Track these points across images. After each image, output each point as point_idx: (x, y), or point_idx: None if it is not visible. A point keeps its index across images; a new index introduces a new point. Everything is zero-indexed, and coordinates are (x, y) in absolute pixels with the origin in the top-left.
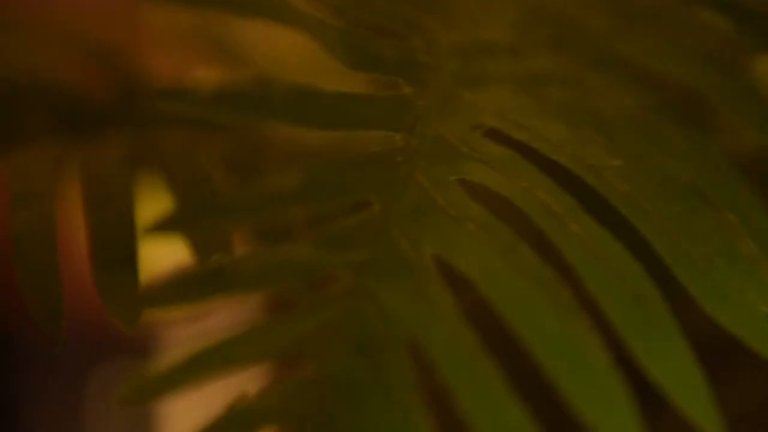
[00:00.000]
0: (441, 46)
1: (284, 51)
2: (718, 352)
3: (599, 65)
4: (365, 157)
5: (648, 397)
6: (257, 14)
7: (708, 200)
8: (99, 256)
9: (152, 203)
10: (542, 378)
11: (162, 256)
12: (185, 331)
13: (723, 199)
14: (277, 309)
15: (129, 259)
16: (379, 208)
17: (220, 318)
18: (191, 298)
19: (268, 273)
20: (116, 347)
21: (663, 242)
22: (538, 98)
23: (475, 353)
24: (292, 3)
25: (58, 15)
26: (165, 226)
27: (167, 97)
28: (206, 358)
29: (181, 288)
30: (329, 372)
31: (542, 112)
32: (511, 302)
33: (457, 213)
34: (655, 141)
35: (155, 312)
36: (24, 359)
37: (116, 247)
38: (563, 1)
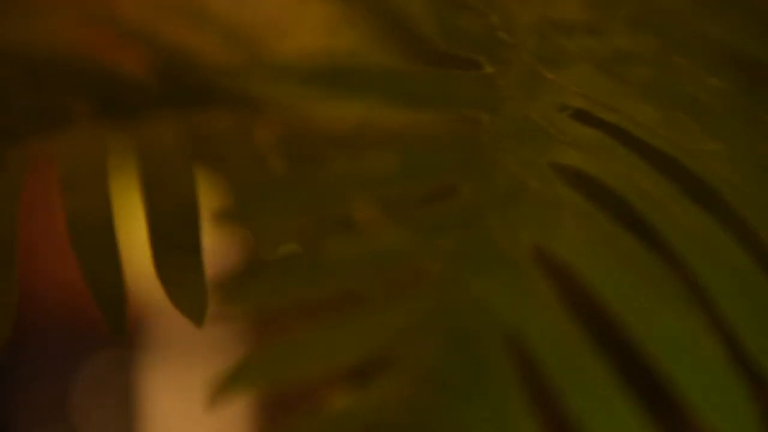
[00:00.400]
0: (518, 23)
1: (283, 24)
2: None
3: (682, 44)
4: (451, 139)
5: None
6: None
7: None
8: (160, 244)
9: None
10: (647, 371)
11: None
12: (174, 324)
13: None
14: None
15: (193, 247)
16: (468, 193)
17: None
18: (275, 292)
19: (356, 262)
20: (105, 339)
21: None
22: (622, 79)
23: (582, 348)
24: None
25: None
26: (234, 215)
27: (257, 75)
28: (283, 358)
29: (263, 281)
30: (422, 371)
31: (628, 93)
32: (618, 294)
33: (551, 198)
34: (750, 124)
35: (231, 307)
36: (12, 352)
37: (179, 233)
38: None
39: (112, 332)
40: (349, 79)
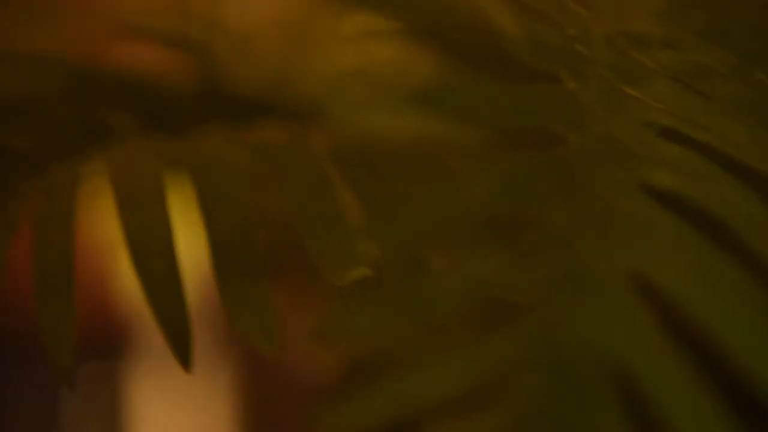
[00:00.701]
0: (593, 36)
1: (263, 23)
2: None
3: (758, 57)
4: (539, 159)
5: None
6: None
7: None
8: (222, 266)
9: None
10: (754, 399)
11: None
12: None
13: None
14: None
15: (256, 269)
16: (559, 217)
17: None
18: (370, 328)
19: (451, 294)
20: (90, 350)
21: None
22: (703, 94)
23: (687, 377)
24: None
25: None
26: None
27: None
28: (387, 394)
29: (357, 318)
30: (524, 405)
31: (713, 109)
32: (720, 320)
33: (645, 221)
34: None
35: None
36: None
37: (240, 255)
38: None
39: (179, 362)
40: (430, 95)
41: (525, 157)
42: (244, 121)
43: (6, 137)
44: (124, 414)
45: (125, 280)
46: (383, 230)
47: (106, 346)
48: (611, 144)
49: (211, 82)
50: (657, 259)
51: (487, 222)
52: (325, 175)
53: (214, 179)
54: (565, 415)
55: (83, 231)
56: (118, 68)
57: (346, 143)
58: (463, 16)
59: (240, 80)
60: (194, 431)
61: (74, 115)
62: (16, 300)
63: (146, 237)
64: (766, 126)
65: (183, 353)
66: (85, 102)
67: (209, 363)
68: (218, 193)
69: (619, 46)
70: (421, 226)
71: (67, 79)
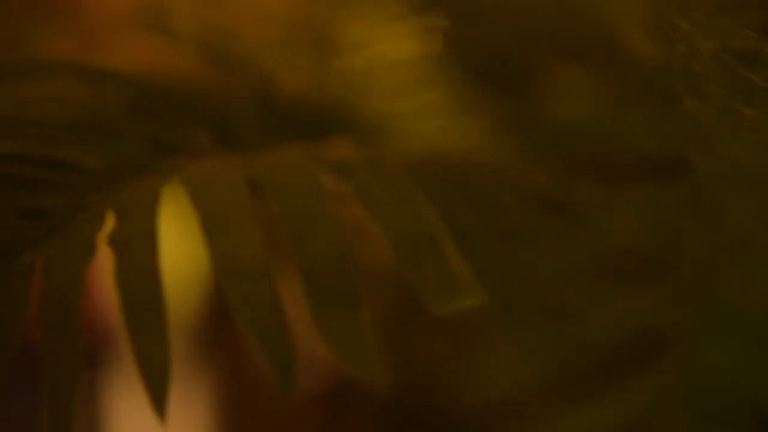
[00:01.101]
0: (702, 53)
1: (271, 31)
2: None
3: None
4: (671, 190)
5: None
6: None
7: None
8: (317, 295)
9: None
10: None
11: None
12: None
13: None
14: None
15: (352, 297)
16: (696, 251)
17: None
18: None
19: (606, 332)
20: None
21: None
22: None
23: None
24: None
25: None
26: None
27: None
28: None
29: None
30: None
31: None
32: None
33: None
34: None
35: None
36: None
37: (334, 283)
38: None
39: (284, 390)
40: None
41: (656, 188)
42: (311, 136)
43: (76, 156)
44: (103, 423)
45: (103, 288)
46: (512, 269)
47: (86, 354)
48: (739, 168)
49: (263, 95)
50: None
51: (622, 258)
52: (412, 194)
53: (300, 199)
54: None
55: None
56: (190, 85)
57: (421, 161)
58: (595, 36)
59: (290, 92)
60: None
61: (143, 131)
62: None
63: (238, 259)
64: None
65: (288, 379)
66: (152, 118)
67: (189, 374)
68: (306, 214)
69: (727, 64)
70: (554, 266)
71: (132, 94)
